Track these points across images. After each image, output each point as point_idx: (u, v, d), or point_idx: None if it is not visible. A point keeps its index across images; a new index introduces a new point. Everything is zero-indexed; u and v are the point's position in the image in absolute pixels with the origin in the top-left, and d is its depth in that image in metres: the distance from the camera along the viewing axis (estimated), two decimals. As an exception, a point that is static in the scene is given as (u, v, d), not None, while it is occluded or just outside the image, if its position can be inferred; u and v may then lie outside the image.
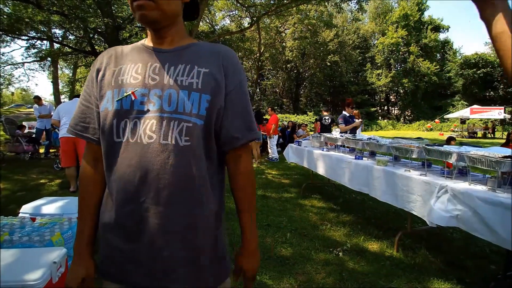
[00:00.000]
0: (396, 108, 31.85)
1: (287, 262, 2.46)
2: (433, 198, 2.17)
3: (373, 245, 2.78)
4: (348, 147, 3.78)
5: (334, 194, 4.55)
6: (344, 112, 5.02)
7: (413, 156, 2.55)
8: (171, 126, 0.73)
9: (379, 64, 30.38)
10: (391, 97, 32.20)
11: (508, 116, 20.54)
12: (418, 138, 2.99)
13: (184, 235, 0.75)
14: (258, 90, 33.97)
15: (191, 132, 0.74)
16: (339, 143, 3.78)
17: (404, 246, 2.73)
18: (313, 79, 32.12)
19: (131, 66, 0.79)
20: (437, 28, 30.33)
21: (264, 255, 2.57)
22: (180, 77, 0.77)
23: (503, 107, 19.19)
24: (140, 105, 0.74)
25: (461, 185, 2.10)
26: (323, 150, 3.97)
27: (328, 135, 4.17)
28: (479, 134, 18.92)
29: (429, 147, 2.37)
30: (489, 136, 18.78)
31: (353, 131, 4.93)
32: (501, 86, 27.64)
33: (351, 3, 15.89)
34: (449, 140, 4.36)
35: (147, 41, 0.84)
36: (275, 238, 2.94)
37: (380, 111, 31.66)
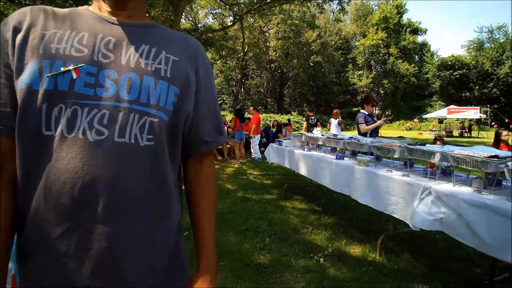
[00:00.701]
0: (377, 108, 32.57)
1: (265, 271, 2.29)
2: (416, 200, 2.06)
3: (355, 249, 2.66)
4: (329, 146, 3.66)
5: (316, 194, 4.44)
6: (362, 111, 4.23)
7: (395, 156, 2.45)
8: (130, 119, 0.55)
9: (360, 65, 30.93)
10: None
11: (483, 116, 21.41)
12: (400, 137, 2.90)
13: (141, 260, 0.58)
14: (242, 89, 33.77)
15: (156, 129, 0.58)
16: (320, 143, 3.66)
17: (386, 249, 2.63)
18: (296, 79, 32.30)
19: (71, 33, 0.57)
20: (416, 31, 31.26)
21: (240, 263, 2.39)
22: (145, 59, 0.59)
23: (478, 107, 20.02)
24: (85, 87, 0.54)
25: (445, 186, 2.01)
26: (304, 150, 3.84)
27: (309, 134, 4.05)
28: (456, 133, 19.59)
29: (411, 146, 2.27)
30: (466, 135, 19.47)
31: (374, 132, 4.15)
32: (476, 87, 28.85)
33: (333, 3, 16.08)
34: (436, 140, 4.31)
35: (94, 8, 0.63)
36: (253, 244, 2.76)
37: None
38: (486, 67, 28.18)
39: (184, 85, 0.62)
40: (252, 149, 8.18)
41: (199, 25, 21.14)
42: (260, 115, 15.98)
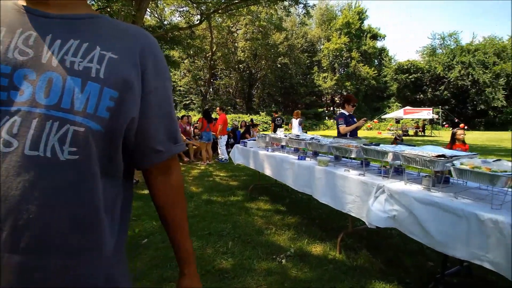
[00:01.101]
0: (340, 109, 34.04)
1: (227, 276, 2.23)
2: (371, 199, 2.14)
3: (317, 248, 2.70)
4: (292, 147, 3.70)
5: (281, 194, 4.47)
6: (342, 111, 4.11)
7: (352, 156, 2.53)
8: (46, 129, 0.47)
9: (325, 68, 32.09)
10: (336, 98, 34.28)
11: (435, 116, 23.33)
12: (357, 137, 3.01)
13: None
14: (211, 89, 33.33)
15: (81, 140, 0.48)
16: (284, 143, 3.69)
17: (346, 246, 2.70)
18: (265, 80, 32.63)
19: None
20: (375, 36, 33.16)
21: (201, 269, 2.31)
22: (71, 57, 0.50)
23: (431, 108, 21.87)
24: None
25: (398, 184, 2.10)
26: (268, 150, 3.84)
27: (273, 135, 4.06)
28: (411, 133, 21.10)
29: (366, 146, 2.35)
30: (420, 134, 21.13)
31: (355, 132, 4.07)
32: (429, 90, 31.44)
33: (298, 7, 16.50)
34: (395, 140, 4.53)
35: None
36: (216, 248, 2.69)
37: (326, 111, 33.47)
38: (438, 71, 30.80)
39: (124, 87, 0.53)
40: (219, 150, 8.06)
41: (165, 23, 20.46)
42: (229, 115, 15.86)
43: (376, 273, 2.27)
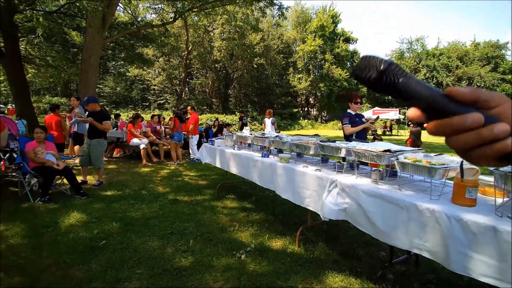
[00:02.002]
0: (314, 110, 34.85)
1: (184, 274, 2.21)
2: (325, 193, 2.22)
3: (277, 242, 2.75)
4: (258, 145, 3.74)
5: (248, 192, 4.50)
6: (348, 111, 3.72)
7: (311, 152, 2.61)
8: None
9: (300, 69, 32.68)
10: (310, 99, 35.04)
11: (402, 116, 24.61)
12: (316, 135, 3.11)
13: None
14: (186, 89, 32.76)
15: None
16: (250, 141, 3.72)
17: (305, 240, 2.78)
18: (241, 80, 32.62)
19: None
20: (348, 40, 34.26)
21: (159, 269, 2.27)
22: None
23: (398, 109, 23.10)
24: None
25: (350, 178, 2.20)
26: (234, 149, 3.85)
27: (239, 133, 4.08)
28: (380, 132, 22.11)
29: (322, 143, 2.44)
30: (388, 133, 22.22)
31: (362, 135, 3.64)
32: (396, 92, 32.98)
33: (274, 8, 16.70)
34: (374, 139, 4.77)
35: None
36: (176, 247, 2.66)
37: (301, 112, 34.10)
38: (404, 75, 32.37)
39: None
40: (190, 150, 7.95)
41: (139, 19, 19.82)
42: (205, 115, 15.66)
43: (331, 264, 2.35)
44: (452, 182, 1.71)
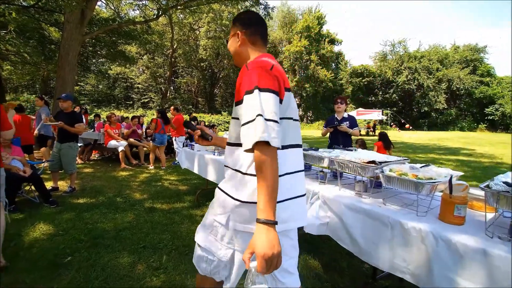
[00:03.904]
0: (300, 110, 35.06)
1: (154, 296, 2.02)
2: (307, 205, 2.09)
3: (258, 256, 2.60)
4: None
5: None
6: (335, 114, 3.82)
7: (293, 161, 2.47)
8: None
9: (286, 69, 32.75)
10: (296, 99, 35.21)
11: (384, 117, 25.15)
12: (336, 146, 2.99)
13: None
14: (172, 88, 32.12)
15: None
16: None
17: (288, 253, 2.65)
18: (227, 79, 32.32)
19: None
20: (333, 41, 34.63)
21: (127, 290, 2.07)
22: None
23: (381, 110, 23.57)
24: None
25: (333, 190, 2.07)
26: (214, 154, 3.67)
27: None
28: (363, 132, 22.49)
29: (305, 152, 2.30)
30: (371, 133, 22.67)
31: (346, 140, 3.61)
32: (380, 93, 33.73)
33: (259, 8, 16.57)
34: (355, 143, 4.58)
35: None
36: (149, 263, 2.46)
37: (287, 112, 34.22)
38: (388, 76, 33.18)
39: None
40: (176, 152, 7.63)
41: (122, 15, 19.17)
42: (191, 115, 15.26)
43: (312, 280, 2.23)
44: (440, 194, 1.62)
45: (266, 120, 0.94)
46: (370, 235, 1.68)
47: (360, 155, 2.08)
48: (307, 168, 2.63)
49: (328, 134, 3.89)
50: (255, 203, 0.96)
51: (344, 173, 2.36)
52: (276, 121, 0.96)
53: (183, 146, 4.76)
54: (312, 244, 2.86)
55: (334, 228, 1.89)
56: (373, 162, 1.90)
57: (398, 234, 1.56)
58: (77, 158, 7.23)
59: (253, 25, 1.26)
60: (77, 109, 9.31)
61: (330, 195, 1.96)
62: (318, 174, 2.31)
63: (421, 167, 1.85)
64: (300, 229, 2.93)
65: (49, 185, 4.78)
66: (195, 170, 3.91)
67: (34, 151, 6.54)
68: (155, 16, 15.40)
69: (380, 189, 2.10)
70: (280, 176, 1.02)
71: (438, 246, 1.41)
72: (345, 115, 3.78)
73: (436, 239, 1.42)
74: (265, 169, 0.92)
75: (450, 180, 1.51)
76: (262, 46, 1.28)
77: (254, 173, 0.99)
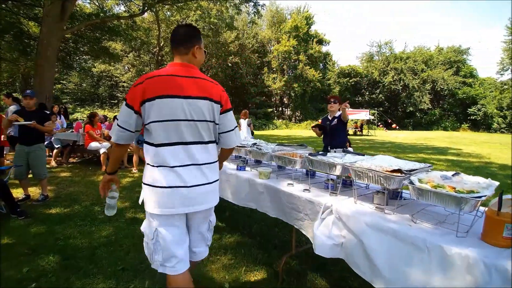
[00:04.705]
0: (288, 109, 34.91)
1: (134, 335, 1.65)
2: (317, 220, 1.77)
3: (256, 276, 2.27)
4: (233, 154, 3.23)
5: (222, 205, 3.96)
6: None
7: (297, 167, 2.16)
8: None
9: (274, 69, 32.52)
10: (284, 99, 35.02)
11: (371, 117, 25.34)
12: (301, 144, 2.68)
13: None
14: (157, 87, 31.24)
15: None
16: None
17: (290, 271, 2.33)
18: (215, 78, 31.71)
19: None
20: (321, 41, 34.63)
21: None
22: None
23: (368, 110, 23.72)
24: None
25: (347, 203, 1.76)
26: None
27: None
28: (351, 132, 22.56)
29: (312, 157, 1.99)
30: (359, 133, 22.81)
31: (329, 139, 3.49)
32: (367, 93, 34.07)
33: (249, 5, 16.22)
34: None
35: None
36: (129, 289, 2.08)
37: (275, 111, 33.97)
38: (374, 76, 33.57)
39: None
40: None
41: (105, 10, 18.34)
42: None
43: (323, 308, 1.92)
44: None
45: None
46: (398, 262, 1.38)
47: (379, 162, 1.78)
48: (312, 174, 2.33)
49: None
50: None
51: (354, 180, 2.06)
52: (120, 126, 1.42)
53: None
54: (317, 260, 2.55)
55: (350, 251, 1.58)
56: (398, 170, 1.60)
57: (437, 261, 1.26)
58: (52, 160, 6.70)
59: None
60: (55, 108, 8.70)
61: (347, 210, 1.65)
62: (329, 183, 2.00)
63: (452, 175, 1.58)
64: (304, 239, 2.61)
65: (19, 192, 4.28)
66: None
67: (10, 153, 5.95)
68: (140, 12, 14.79)
69: (401, 200, 1.79)
70: (154, 167, 1.42)
71: (491, 277, 1.13)
72: (337, 114, 3.56)
73: (488, 268, 1.14)
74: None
75: (500, 195, 1.23)
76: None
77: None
